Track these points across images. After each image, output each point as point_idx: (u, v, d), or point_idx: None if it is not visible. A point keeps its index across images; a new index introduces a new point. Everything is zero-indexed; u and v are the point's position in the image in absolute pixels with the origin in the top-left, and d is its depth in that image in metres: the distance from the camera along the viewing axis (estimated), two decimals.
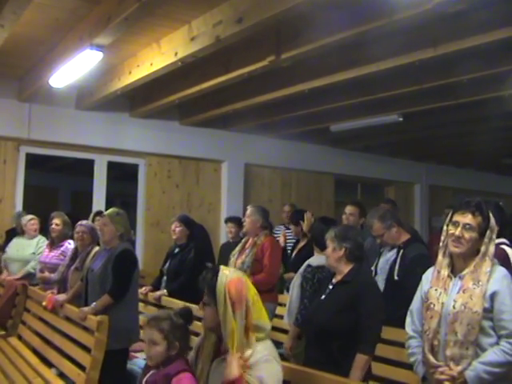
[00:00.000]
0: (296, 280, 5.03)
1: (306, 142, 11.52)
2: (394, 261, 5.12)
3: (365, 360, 3.59)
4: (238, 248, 6.21)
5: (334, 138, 11.00)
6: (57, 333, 5.60)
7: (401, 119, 8.90)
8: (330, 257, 3.95)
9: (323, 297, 3.92)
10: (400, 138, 11.21)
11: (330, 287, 3.93)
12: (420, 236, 6.47)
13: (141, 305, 6.21)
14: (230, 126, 10.39)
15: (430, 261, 4.92)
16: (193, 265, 6.46)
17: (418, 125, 9.95)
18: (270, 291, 5.75)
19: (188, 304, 5.80)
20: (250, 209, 6.18)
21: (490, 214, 3.15)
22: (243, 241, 6.27)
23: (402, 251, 5.11)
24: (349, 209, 6.62)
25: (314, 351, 3.80)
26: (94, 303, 5.03)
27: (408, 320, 3.39)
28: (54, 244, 6.97)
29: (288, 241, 8.12)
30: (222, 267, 3.07)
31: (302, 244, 6.73)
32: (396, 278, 4.97)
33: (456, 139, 11.04)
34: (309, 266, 4.90)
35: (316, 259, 4.93)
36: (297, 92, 7.59)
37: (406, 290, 4.41)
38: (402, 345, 4.24)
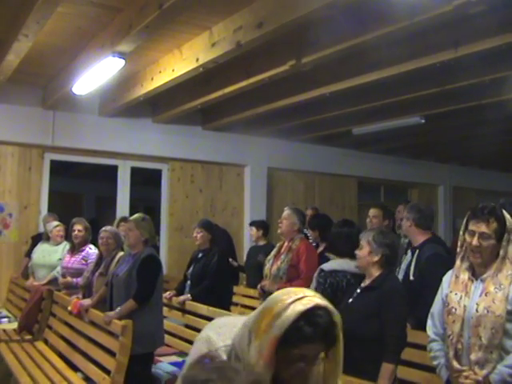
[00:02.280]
0: (312, 285, 4.98)
1: (328, 145, 11.50)
2: (411, 261, 5.11)
3: (391, 369, 3.57)
4: (272, 253, 6.11)
5: (357, 140, 10.97)
6: (82, 337, 5.65)
7: (423, 121, 8.85)
8: (363, 259, 3.91)
9: (350, 300, 3.91)
10: (423, 140, 11.15)
11: (358, 291, 3.92)
12: (439, 238, 6.44)
13: (165, 309, 6.23)
14: (252, 131, 10.41)
15: (447, 260, 4.88)
16: (216, 269, 6.49)
17: (440, 126, 9.89)
18: None
19: (212, 308, 5.84)
20: (287, 211, 6.06)
21: (507, 216, 3.11)
22: (278, 245, 6.18)
23: (417, 251, 5.09)
24: (372, 211, 6.56)
25: None
26: (119, 308, 5.07)
27: (429, 323, 3.36)
28: (75, 249, 7.05)
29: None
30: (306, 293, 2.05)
31: (321, 249, 6.70)
32: (412, 278, 4.96)
33: (479, 140, 10.95)
34: (321, 270, 4.86)
35: (329, 264, 4.86)
36: (318, 96, 7.58)
37: (421, 290, 4.52)
38: (423, 347, 4.24)
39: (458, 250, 3.22)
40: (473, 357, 3.01)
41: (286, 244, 6.01)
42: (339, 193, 12.02)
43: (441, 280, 4.90)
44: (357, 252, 3.97)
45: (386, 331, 3.60)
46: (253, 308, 6.34)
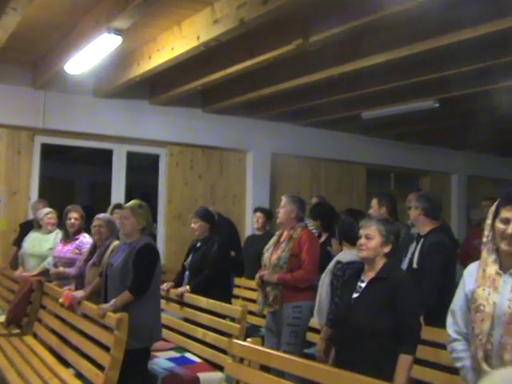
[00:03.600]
0: (325, 277, 5.04)
1: (336, 130, 11.48)
2: (415, 250, 5.29)
3: (409, 361, 3.62)
4: (271, 242, 6.12)
5: (366, 125, 10.94)
6: (74, 331, 5.65)
7: (437, 105, 8.80)
8: (372, 250, 3.92)
9: (356, 295, 3.92)
10: (436, 126, 11.10)
11: (363, 285, 3.93)
12: (446, 227, 6.47)
13: (162, 302, 6.29)
14: (255, 114, 10.38)
15: (448, 249, 5.23)
16: (216, 258, 6.50)
17: (455, 111, 9.84)
18: (309, 289, 5.70)
19: (212, 301, 5.86)
20: (284, 199, 6.07)
21: None
22: (277, 234, 6.18)
23: (422, 240, 5.28)
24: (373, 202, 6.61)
25: (346, 353, 3.81)
26: (114, 300, 5.05)
27: (449, 321, 3.28)
28: (68, 238, 7.04)
29: None
30: None
31: (323, 239, 6.72)
32: (415, 266, 5.13)
33: (497, 126, 10.88)
34: (338, 262, 4.89)
35: (346, 255, 4.91)
36: (326, 77, 7.54)
37: (422, 276, 4.76)
38: (436, 345, 4.23)
39: (484, 240, 3.14)
40: (507, 357, 2.91)
41: (285, 233, 6.02)
42: (347, 180, 12.02)
43: (440, 267, 5.04)
44: (364, 242, 3.97)
45: (401, 322, 3.63)
46: (255, 301, 6.38)
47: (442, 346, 3.94)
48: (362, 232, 4.01)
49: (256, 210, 8.50)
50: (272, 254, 5.93)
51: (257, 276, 5.95)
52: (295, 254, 5.74)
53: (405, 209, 6.71)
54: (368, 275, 3.93)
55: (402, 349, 3.61)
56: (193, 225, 6.81)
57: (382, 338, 3.64)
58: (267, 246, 6.11)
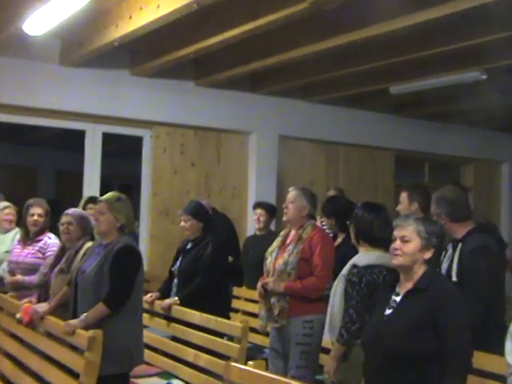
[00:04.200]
0: (338, 285, 5.04)
1: (357, 108, 11.52)
2: (453, 258, 5.13)
3: None
4: (275, 244, 6.17)
5: (395, 102, 10.98)
6: (34, 354, 5.64)
7: (484, 77, 8.78)
8: (409, 256, 3.93)
9: (389, 311, 3.95)
10: (483, 102, 11.06)
11: (397, 298, 3.96)
12: (491, 227, 6.43)
13: (145, 316, 6.33)
14: (259, 88, 10.41)
15: (494, 255, 5.03)
16: (211, 263, 6.56)
17: (506, 84, 9.81)
18: (322, 300, 5.72)
19: (206, 315, 5.89)
20: (293, 192, 6.11)
21: None
22: (282, 234, 6.24)
23: (459, 245, 5.11)
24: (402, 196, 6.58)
25: (378, 380, 3.84)
26: (85, 314, 5.07)
27: (509, 346, 3.29)
28: (28, 238, 7.04)
29: None
30: None
31: (339, 240, 6.77)
32: (455, 279, 4.97)
33: None
34: (354, 266, 4.90)
35: (363, 257, 4.93)
36: (346, 43, 7.55)
37: (466, 294, 4.36)
38: (487, 375, 4.19)
39: None
40: None
41: (293, 232, 6.09)
42: (371, 170, 12.04)
43: (485, 278, 4.86)
44: (399, 246, 3.97)
45: (446, 345, 3.63)
46: (257, 316, 6.41)
47: (493, 376, 3.94)
48: (396, 233, 4.02)
49: (256, 205, 8.59)
50: (277, 258, 5.98)
51: (259, 285, 6.00)
52: (305, 258, 5.81)
53: None
54: (404, 286, 3.96)
55: (446, 379, 3.61)
56: (183, 223, 6.86)
57: (422, 365, 3.66)
58: (271, 249, 6.17)
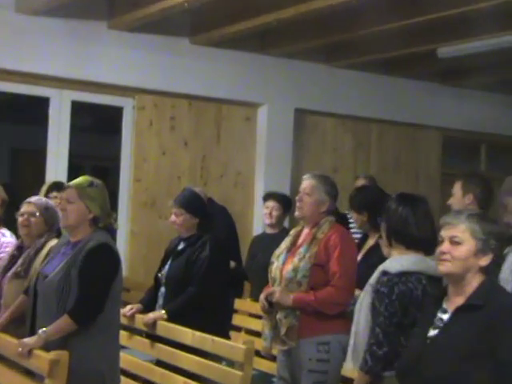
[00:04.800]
0: (364, 298, 4.91)
1: (394, 75, 11.51)
2: None
3: None
4: (284, 245, 6.08)
5: (443, 68, 10.99)
6: None
7: None
8: (459, 262, 3.85)
9: (434, 332, 3.89)
10: None
11: (444, 316, 3.90)
12: None
13: (123, 334, 6.30)
14: (272, 48, 10.41)
15: None
16: (207, 268, 6.50)
17: None
18: (342, 316, 5.67)
19: (200, 334, 5.86)
20: (308, 180, 6.02)
21: None
22: (292, 233, 6.16)
23: None
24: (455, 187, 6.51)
25: None
26: (45, 330, 5.01)
27: None
28: None
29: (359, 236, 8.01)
30: None
31: (371, 242, 6.71)
32: None
33: None
34: (384, 273, 4.78)
35: (396, 262, 4.80)
36: None
37: None
38: None
39: None
40: None
41: (306, 231, 6.02)
42: (411, 153, 12.04)
43: None
44: (447, 249, 3.90)
45: (504, 376, 3.58)
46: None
47: None
48: (443, 233, 3.94)
49: (267, 196, 8.52)
50: (285, 263, 5.90)
51: (262, 296, 5.92)
52: (320, 264, 5.73)
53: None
54: (453, 301, 3.89)
55: None
56: (173, 217, 6.81)
57: None
58: (278, 251, 6.09)
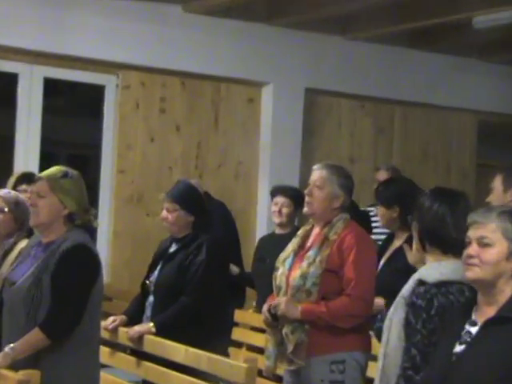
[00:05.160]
0: (395, 313, 4.76)
1: (422, 49, 11.48)
2: None
3: None
4: (290, 247, 6.03)
5: (481, 41, 10.94)
6: None
7: None
8: (489, 267, 3.82)
9: (461, 348, 3.84)
10: None
11: (473, 329, 3.86)
12: None
13: (104, 351, 6.31)
14: (279, 18, 10.42)
15: None
16: (204, 275, 6.48)
17: None
18: (358, 330, 5.62)
19: (194, 350, 5.78)
20: (320, 171, 5.97)
21: None
22: (300, 233, 6.09)
23: None
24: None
25: None
26: (12, 346, 4.97)
27: None
28: None
29: (381, 237, 7.94)
30: None
31: (398, 243, 6.64)
32: None
33: None
34: (421, 283, 4.69)
35: (434, 270, 4.69)
36: None
37: None
38: None
39: None
40: None
41: (316, 230, 5.95)
42: (441, 141, 12.06)
43: None
44: (475, 253, 3.88)
45: None
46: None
47: None
48: (471, 234, 3.93)
49: (276, 191, 8.44)
50: (292, 268, 5.85)
51: (265, 308, 5.87)
52: (333, 269, 5.69)
53: None
54: (483, 312, 3.87)
55: None
56: (165, 213, 6.75)
57: None
58: (283, 256, 6.05)
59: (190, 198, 6.81)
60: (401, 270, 5.83)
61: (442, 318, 4.33)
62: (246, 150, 10.66)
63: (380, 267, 6.67)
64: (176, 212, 6.65)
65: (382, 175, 9.01)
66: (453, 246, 4.55)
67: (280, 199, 8.13)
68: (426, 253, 4.78)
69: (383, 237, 7.34)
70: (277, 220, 8.19)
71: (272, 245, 7.95)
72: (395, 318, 4.67)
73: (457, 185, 10.38)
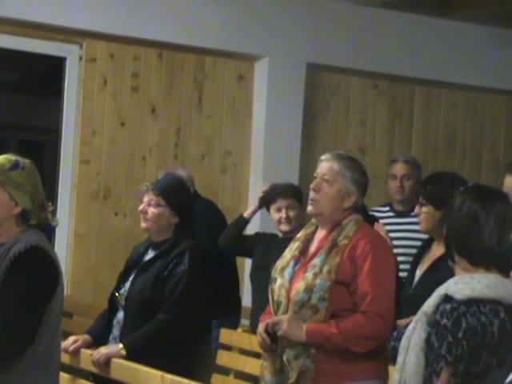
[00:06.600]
0: (414, 331, 4.74)
1: (449, 16, 11.47)
2: None
3: None
4: (289, 254, 5.95)
5: None
6: None
7: None
8: None
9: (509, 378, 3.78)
10: None
11: None
12: None
13: (64, 377, 6.26)
14: None
15: None
16: (185, 288, 6.46)
17: None
18: (374, 355, 5.58)
19: (172, 377, 5.78)
20: (328, 163, 5.87)
21: None
22: (300, 237, 6.02)
23: None
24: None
25: None
26: None
27: None
28: None
29: (397, 242, 7.99)
30: None
31: (440, 251, 6.52)
32: None
33: None
34: (447, 298, 4.71)
35: (463, 284, 4.68)
36: None
37: None
38: None
39: None
40: None
41: (321, 233, 5.90)
42: (470, 128, 12.06)
43: None
44: None
45: None
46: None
47: None
48: None
49: (275, 195, 8.37)
50: (293, 280, 5.79)
51: (260, 328, 5.81)
52: (345, 281, 5.62)
53: None
54: None
55: None
56: (145, 207, 6.74)
57: None
58: (280, 264, 5.97)
59: (179, 196, 6.85)
60: (438, 282, 5.84)
61: (471, 342, 4.33)
62: (234, 137, 10.68)
63: (417, 279, 6.73)
64: (159, 208, 6.65)
65: (400, 169, 8.96)
66: (484, 256, 4.53)
67: (283, 202, 8.07)
68: (455, 263, 4.78)
69: (413, 242, 7.51)
70: (286, 228, 8.09)
71: (277, 250, 7.90)
72: (414, 337, 4.65)
73: (488, 180, 10.41)
